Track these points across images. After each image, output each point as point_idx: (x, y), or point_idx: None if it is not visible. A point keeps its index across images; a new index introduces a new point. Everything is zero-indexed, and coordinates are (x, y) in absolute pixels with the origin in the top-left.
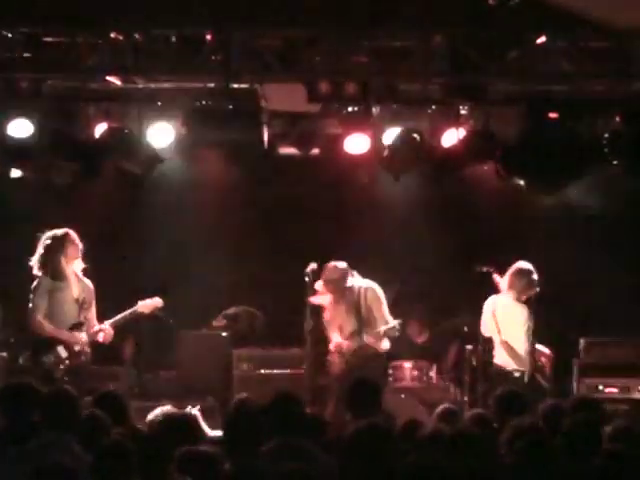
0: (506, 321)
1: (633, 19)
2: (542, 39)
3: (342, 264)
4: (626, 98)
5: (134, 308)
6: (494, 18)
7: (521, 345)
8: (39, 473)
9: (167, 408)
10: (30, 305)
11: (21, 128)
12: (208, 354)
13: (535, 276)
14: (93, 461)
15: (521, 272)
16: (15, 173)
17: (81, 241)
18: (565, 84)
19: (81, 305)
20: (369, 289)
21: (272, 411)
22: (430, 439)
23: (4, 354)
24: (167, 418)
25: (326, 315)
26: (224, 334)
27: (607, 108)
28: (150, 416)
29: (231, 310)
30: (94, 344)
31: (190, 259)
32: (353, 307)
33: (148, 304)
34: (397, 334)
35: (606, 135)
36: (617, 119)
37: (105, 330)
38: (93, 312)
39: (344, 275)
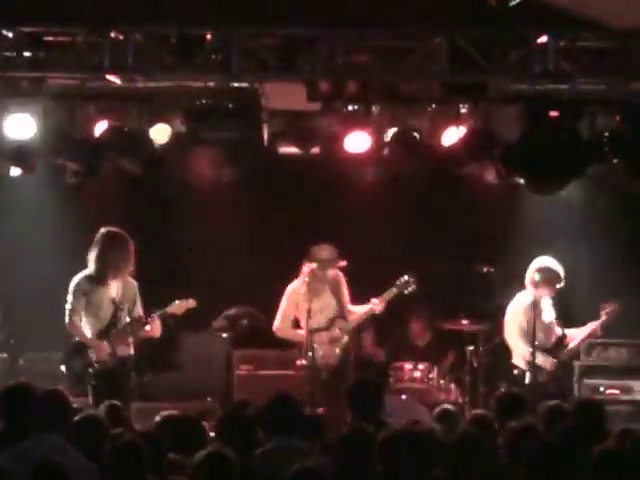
0: None
1: (633, 19)
2: (542, 39)
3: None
4: (626, 98)
5: (165, 309)
6: (494, 18)
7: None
8: (37, 472)
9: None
10: (67, 306)
11: (21, 127)
12: (209, 355)
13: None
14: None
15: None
16: (15, 173)
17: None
18: (565, 84)
19: (118, 306)
20: (340, 274)
21: (270, 412)
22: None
23: (4, 355)
24: (168, 420)
25: (306, 302)
26: (224, 335)
27: (607, 108)
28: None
29: (231, 311)
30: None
31: (189, 259)
32: (334, 291)
33: (180, 305)
34: None
35: (606, 134)
36: (617, 119)
37: (152, 323)
38: (137, 309)
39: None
